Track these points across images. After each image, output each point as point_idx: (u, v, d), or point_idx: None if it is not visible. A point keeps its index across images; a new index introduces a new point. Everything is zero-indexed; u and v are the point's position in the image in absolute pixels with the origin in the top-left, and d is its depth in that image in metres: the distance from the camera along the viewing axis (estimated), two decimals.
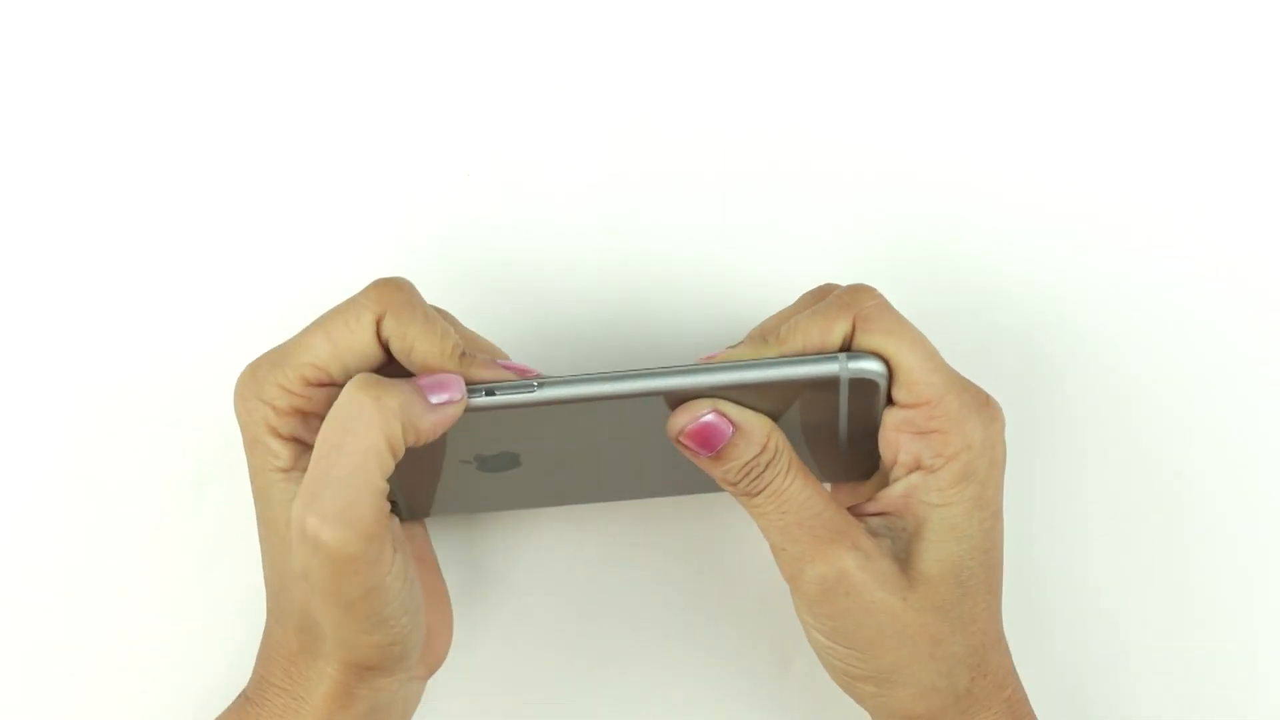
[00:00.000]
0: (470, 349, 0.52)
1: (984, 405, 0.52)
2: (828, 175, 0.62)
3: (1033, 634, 0.56)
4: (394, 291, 0.52)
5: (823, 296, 0.54)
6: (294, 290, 0.62)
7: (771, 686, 0.62)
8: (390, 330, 0.52)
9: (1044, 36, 0.62)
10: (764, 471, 0.52)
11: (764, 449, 0.52)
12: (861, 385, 0.52)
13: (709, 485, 0.56)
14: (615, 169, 0.62)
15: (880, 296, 0.52)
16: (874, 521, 0.53)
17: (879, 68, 0.62)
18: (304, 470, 0.51)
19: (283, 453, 0.52)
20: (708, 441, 0.52)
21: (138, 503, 0.61)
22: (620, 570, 0.62)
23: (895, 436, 0.52)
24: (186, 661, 0.61)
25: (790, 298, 0.56)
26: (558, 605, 0.62)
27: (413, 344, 0.51)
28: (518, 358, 0.60)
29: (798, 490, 0.52)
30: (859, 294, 0.52)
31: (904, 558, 0.52)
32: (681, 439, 0.52)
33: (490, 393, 0.52)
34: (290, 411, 0.52)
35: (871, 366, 0.51)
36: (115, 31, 0.62)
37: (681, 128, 0.62)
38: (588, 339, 0.62)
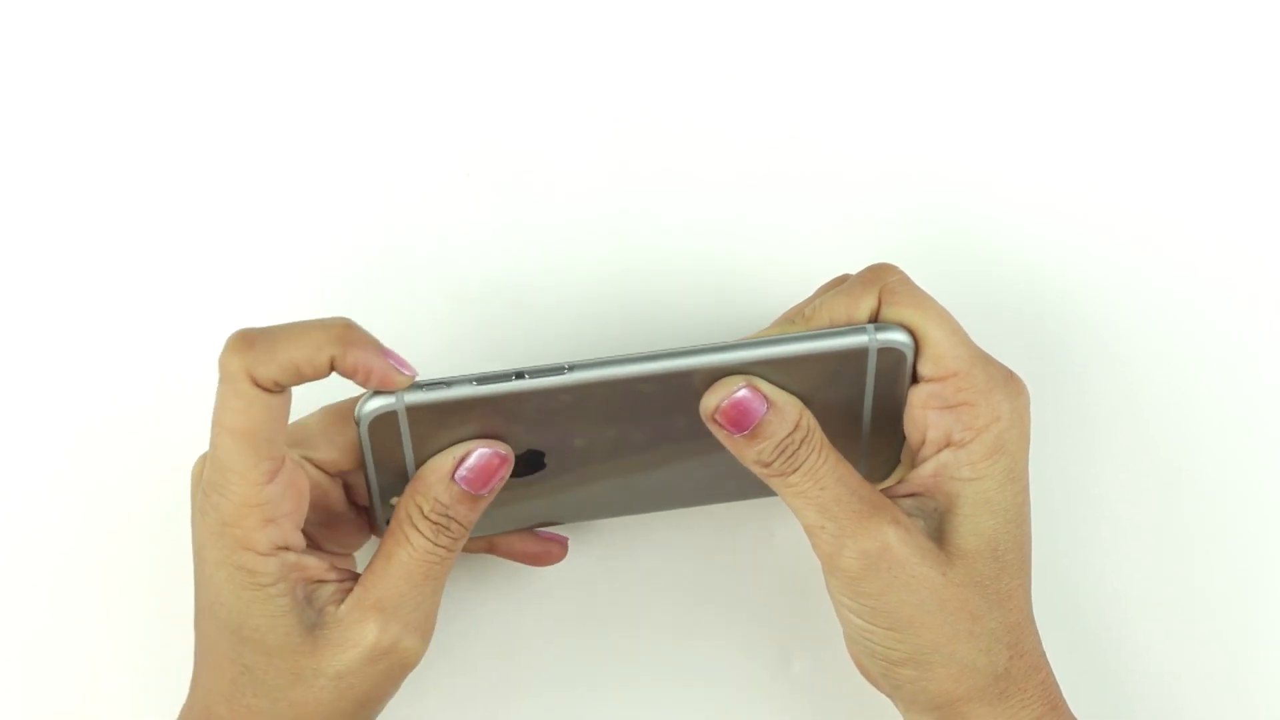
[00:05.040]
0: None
1: (1009, 379, 0.52)
2: (836, 169, 0.63)
3: (1045, 623, 0.56)
4: (245, 346, 0.49)
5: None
6: (294, 290, 0.62)
7: (771, 686, 0.62)
8: (266, 373, 0.48)
9: (1055, 30, 0.63)
10: (798, 449, 0.51)
11: (797, 426, 0.51)
12: (889, 358, 0.52)
13: (737, 493, 0.56)
14: (617, 167, 0.62)
15: (903, 273, 0.53)
16: (904, 503, 0.53)
17: (889, 61, 0.63)
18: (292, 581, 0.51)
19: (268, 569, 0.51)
20: (741, 419, 0.51)
21: (137, 505, 0.61)
22: (621, 570, 0.62)
23: (922, 414, 0.52)
24: (186, 663, 0.60)
25: (798, 295, 0.57)
26: (558, 604, 0.62)
27: (296, 366, 0.49)
28: (518, 358, 0.60)
29: (832, 466, 0.52)
30: (882, 271, 0.53)
31: (938, 536, 0.52)
32: (716, 417, 0.52)
33: (520, 376, 0.51)
34: (263, 524, 0.50)
35: (899, 337, 0.52)
36: (114, 31, 0.62)
37: (683, 124, 0.62)
38: (590, 339, 0.62)
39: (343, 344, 0.49)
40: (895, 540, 0.51)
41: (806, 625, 0.62)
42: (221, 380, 0.49)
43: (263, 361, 0.48)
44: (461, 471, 0.52)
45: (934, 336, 0.52)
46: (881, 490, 0.53)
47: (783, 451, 0.51)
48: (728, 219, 0.62)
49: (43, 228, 0.61)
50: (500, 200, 0.62)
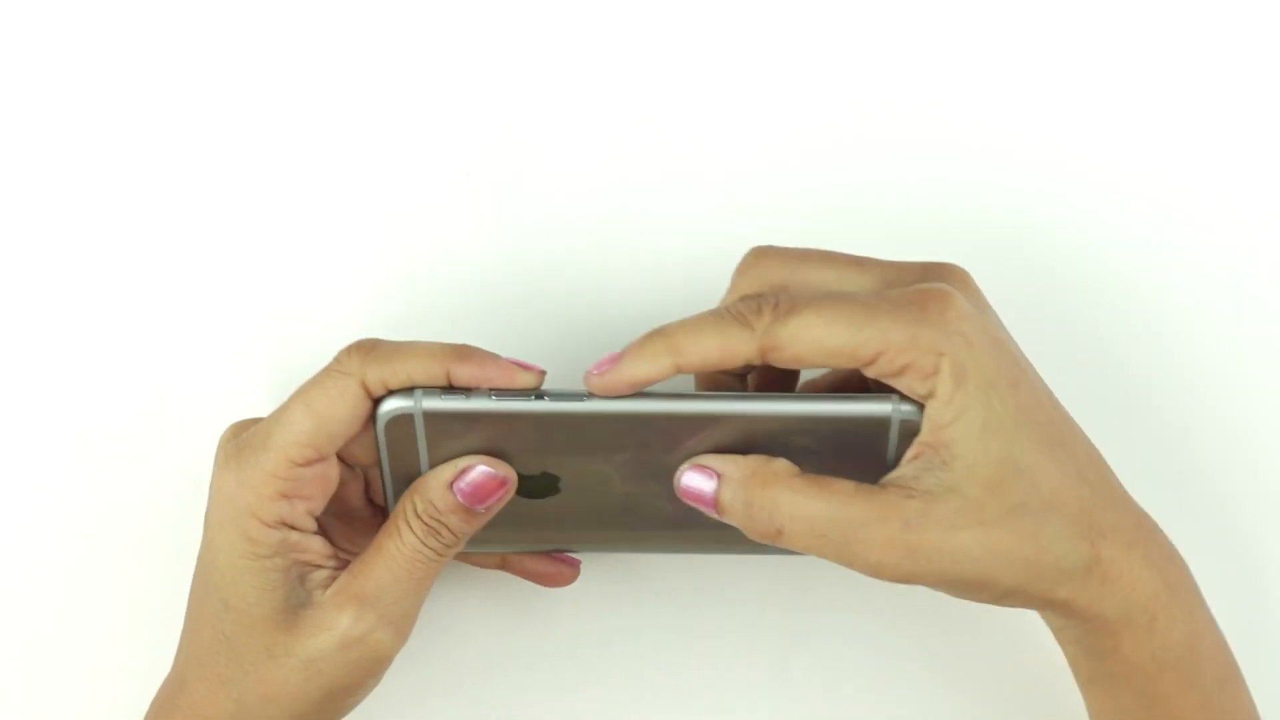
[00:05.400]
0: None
1: (925, 308, 0.50)
2: (836, 170, 0.62)
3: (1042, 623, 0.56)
4: (366, 349, 0.52)
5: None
6: (295, 290, 0.62)
7: (771, 686, 0.62)
8: (378, 375, 0.51)
9: (1054, 29, 0.62)
10: (757, 500, 0.51)
11: (749, 483, 0.51)
12: (910, 428, 0.51)
13: (758, 547, 0.54)
14: (617, 167, 0.62)
15: (791, 299, 0.50)
16: (913, 467, 0.51)
17: (888, 62, 0.63)
18: (282, 557, 0.53)
19: (267, 539, 0.52)
20: (700, 499, 0.52)
21: (142, 507, 0.61)
22: (620, 570, 0.62)
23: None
24: None
25: None
26: (556, 604, 0.62)
27: (410, 377, 0.52)
28: (518, 357, 0.60)
29: (818, 508, 0.50)
30: (775, 300, 0.50)
31: (955, 484, 0.50)
32: (685, 499, 0.52)
33: (540, 396, 0.51)
34: (277, 496, 0.52)
35: (915, 412, 0.51)
36: (119, 36, 0.62)
37: (683, 124, 0.62)
38: (589, 340, 0.62)
39: (458, 358, 0.51)
40: (915, 537, 0.49)
41: (806, 625, 0.62)
42: (329, 370, 0.52)
43: (378, 363, 0.51)
44: (460, 484, 0.52)
45: (834, 345, 0.50)
46: (891, 475, 0.51)
47: (753, 516, 0.51)
48: (728, 219, 0.62)
49: (48, 233, 0.62)
50: (500, 200, 0.62)
